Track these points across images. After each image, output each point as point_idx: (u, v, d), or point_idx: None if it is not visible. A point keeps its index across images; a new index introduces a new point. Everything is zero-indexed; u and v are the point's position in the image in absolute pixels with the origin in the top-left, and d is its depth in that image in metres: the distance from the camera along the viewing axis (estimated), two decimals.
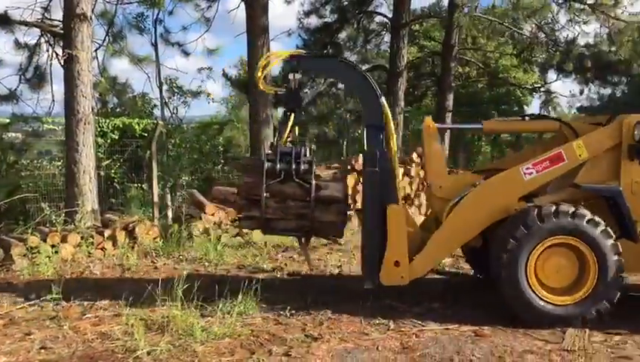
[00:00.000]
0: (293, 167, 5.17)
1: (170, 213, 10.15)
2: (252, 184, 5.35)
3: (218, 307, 5.06)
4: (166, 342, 4.30)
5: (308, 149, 5.37)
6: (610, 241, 4.75)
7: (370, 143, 5.27)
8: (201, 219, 8.37)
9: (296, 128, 5.47)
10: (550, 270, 4.83)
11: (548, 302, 4.77)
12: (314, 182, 5.22)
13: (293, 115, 5.37)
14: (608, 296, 4.74)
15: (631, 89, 27.90)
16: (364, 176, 5.40)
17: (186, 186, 14.10)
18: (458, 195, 5.25)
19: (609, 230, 4.79)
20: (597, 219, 4.78)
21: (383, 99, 5.29)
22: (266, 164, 5.19)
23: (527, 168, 5.08)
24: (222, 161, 17.34)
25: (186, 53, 18.20)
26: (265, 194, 5.19)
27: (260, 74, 5.62)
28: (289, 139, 5.40)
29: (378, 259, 5.13)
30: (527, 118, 6.24)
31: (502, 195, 5.11)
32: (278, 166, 5.18)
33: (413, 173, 11.19)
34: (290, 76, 5.44)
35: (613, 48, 16.84)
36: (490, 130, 6.40)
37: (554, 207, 4.78)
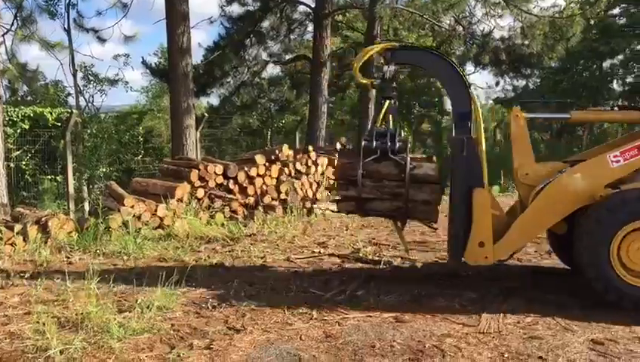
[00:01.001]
0: (389, 144, 5.41)
1: (86, 206, 9.79)
2: (348, 165, 5.61)
3: (136, 301, 4.89)
4: (80, 339, 4.11)
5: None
6: None
7: (458, 129, 5.50)
8: (119, 211, 8.07)
9: (391, 116, 5.67)
10: (633, 253, 4.94)
11: (630, 284, 4.89)
12: (409, 158, 5.44)
13: (387, 102, 5.63)
14: None
15: (543, 81, 29.30)
16: (452, 161, 5.54)
17: (103, 178, 13.60)
18: (543, 182, 5.34)
19: None
20: None
21: (472, 88, 5.58)
22: (363, 143, 5.47)
23: (614, 156, 5.18)
24: (142, 152, 16.87)
25: (102, 40, 17.50)
26: (361, 171, 5.41)
27: (356, 65, 5.87)
28: (382, 126, 5.63)
29: (463, 240, 5.31)
30: (615, 108, 6.25)
31: (588, 182, 5.20)
32: (374, 143, 5.42)
33: (337, 163, 11.26)
34: (385, 67, 5.66)
35: (526, 42, 17.56)
36: (578, 119, 6.35)
37: (637, 193, 4.93)
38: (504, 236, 5.33)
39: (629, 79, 29.75)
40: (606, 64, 29.64)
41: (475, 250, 5.31)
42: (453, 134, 5.63)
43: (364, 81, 6.17)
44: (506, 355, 3.95)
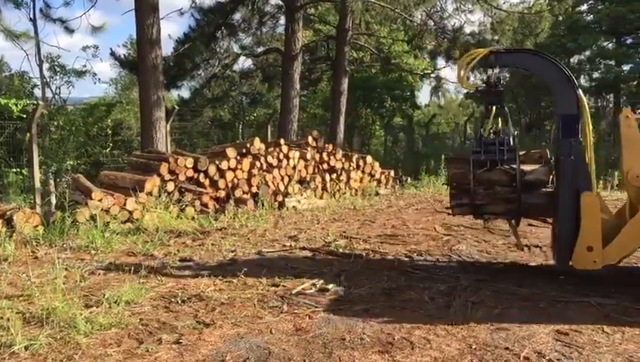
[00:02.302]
0: (497, 156, 5.60)
1: (53, 200, 9.60)
2: (461, 174, 5.81)
3: (104, 296, 4.83)
4: (46, 335, 4.04)
5: (512, 137, 5.76)
6: None
7: (566, 132, 5.41)
8: (87, 205, 7.94)
9: (499, 120, 5.80)
10: None
11: None
12: (518, 168, 5.58)
13: (494, 108, 5.76)
14: None
15: (512, 75, 29.68)
16: (560, 164, 5.47)
17: (71, 171, 13.34)
18: None
19: None
20: None
21: (580, 90, 5.47)
22: (472, 156, 5.66)
23: None
24: (111, 145, 16.61)
25: (70, 30, 17.13)
26: (473, 183, 5.68)
27: (462, 73, 5.79)
28: (492, 130, 5.80)
29: (570, 244, 5.28)
30: None
31: None
32: (483, 157, 5.63)
33: (309, 157, 11.26)
34: (489, 72, 5.79)
35: (496, 37, 17.76)
36: None
37: None
38: (614, 240, 5.24)
39: (596, 75, 30.33)
40: (574, 60, 30.18)
41: (583, 255, 5.27)
42: (560, 137, 5.50)
43: (470, 87, 6.18)
44: (474, 346, 4.00)
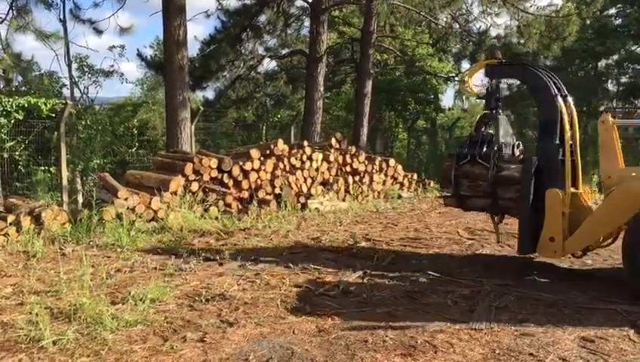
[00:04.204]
0: (475, 151, 6.29)
1: (80, 198, 9.76)
2: (449, 167, 6.48)
3: (129, 294, 4.90)
4: (73, 331, 4.12)
5: (514, 147, 6.47)
6: None
7: (542, 135, 6.09)
8: (113, 203, 8.06)
9: (492, 124, 6.47)
10: None
11: None
12: (492, 164, 6.18)
13: (485, 111, 6.56)
14: None
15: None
16: (527, 163, 6.10)
17: (97, 170, 13.55)
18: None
19: None
20: None
21: (560, 98, 6.04)
22: (457, 150, 6.41)
23: None
24: (136, 144, 16.82)
25: (98, 31, 17.37)
26: (455, 174, 6.40)
27: (468, 78, 6.65)
28: (484, 131, 6.48)
29: (531, 235, 5.97)
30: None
31: None
32: (465, 150, 6.35)
33: (332, 159, 11.27)
34: (486, 81, 6.56)
35: (522, 40, 17.58)
36: None
37: None
38: (574, 233, 5.73)
39: (624, 79, 29.84)
40: (601, 64, 29.69)
41: (546, 244, 5.88)
42: (539, 140, 6.15)
43: (473, 93, 6.96)
44: (497, 351, 3.98)
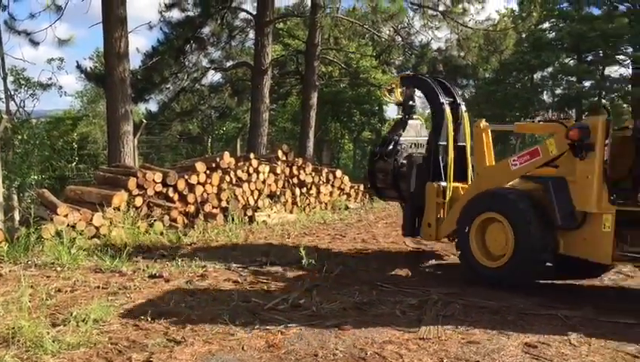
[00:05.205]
0: (380, 149, 7.58)
1: (17, 215, 9.38)
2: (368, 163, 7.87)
3: (71, 314, 4.73)
4: (12, 355, 3.94)
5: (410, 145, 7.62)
6: (525, 220, 5.77)
7: (432, 137, 7.25)
8: (52, 221, 7.78)
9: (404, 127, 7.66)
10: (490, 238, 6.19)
11: (485, 266, 6.12)
12: (393, 160, 7.40)
13: (402, 117, 7.73)
14: (525, 266, 5.81)
15: (478, 91, 30.23)
16: (412, 159, 7.34)
17: (35, 186, 13.07)
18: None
19: (526, 211, 5.80)
20: (519, 202, 5.88)
21: (446, 105, 7.14)
22: (373, 148, 7.94)
23: (514, 161, 6.23)
24: (76, 159, 16.34)
25: (35, 43, 16.78)
26: (371, 169, 7.71)
27: (386, 91, 8.01)
28: (397, 133, 7.63)
29: (412, 221, 7.27)
30: (540, 121, 7.23)
31: (495, 181, 6.35)
32: (377, 149, 7.70)
33: (279, 171, 11.25)
34: (400, 90, 7.67)
35: (462, 53, 18.10)
36: (520, 130, 7.56)
37: (492, 191, 6.20)
38: (444, 221, 6.84)
39: (558, 90, 31.07)
40: (537, 76, 30.85)
41: (425, 229, 7.05)
42: (428, 142, 7.28)
43: (390, 100, 7.94)
44: (445, 360, 4.04)
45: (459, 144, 7.17)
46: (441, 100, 7.14)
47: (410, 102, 7.66)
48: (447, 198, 6.92)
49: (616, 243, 5.47)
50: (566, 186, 5.71)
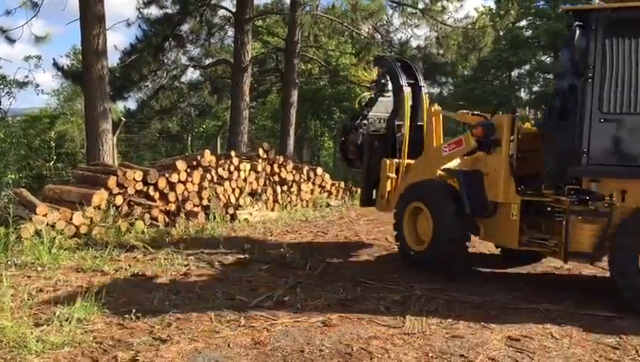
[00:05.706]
0: (348, 123, 8.13)
1: None
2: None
3: (54, 314, 4.69)
4: None
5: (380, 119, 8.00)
6: (441, 209, 6.32)
7: (392, 116, 7.69)
8: (31, 220, 7.68)
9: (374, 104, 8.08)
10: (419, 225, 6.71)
11: (413, 250, 6.69)
12: (359, 133, 7.84)
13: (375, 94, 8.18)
14: (442, 249, 6.27)
15: (457, 88, 30.45)
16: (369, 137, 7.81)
17: (12, 185, 12.87)
18: None
19: (442, 201, 6.36)
20: (437, 193, 6.52)
21: (405, 88, 7.56)
22: (345, 122, 8.76)
23: (444, 147, 6.86)
24: (54, 158, 16.14)
25: (11, 40, 16.50)
26: (342, 141, 8.20)
27: (359, 69, 8.87)
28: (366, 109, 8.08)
29: (367, 193, 7.82)
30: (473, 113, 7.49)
31: (432, 164, 7.01)
32: (348, 123, 8.20)
33: (259, 169, 11.23)
34: (375, 69, 8.28)
35: (441, 51, 18.20)
36: (460, 118, 7.77)
37: (420, 183, 6.80)
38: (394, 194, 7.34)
39: (535, 88, 31.43)
40: (514, 73, 31.15)
41: (380, 201, 7.65)
42: (388, 120, 7.75)
43: (364, 78, 8.61)
44: (430, 354, 4.09)
45: (418, 123, 7.59)
46: (401, 82, 7.58)
47: (383, 81, 8.01)
48: (400, 174, 7.48)
49: (522, 231, 5.90)
50: (480, 178, 6.22)
